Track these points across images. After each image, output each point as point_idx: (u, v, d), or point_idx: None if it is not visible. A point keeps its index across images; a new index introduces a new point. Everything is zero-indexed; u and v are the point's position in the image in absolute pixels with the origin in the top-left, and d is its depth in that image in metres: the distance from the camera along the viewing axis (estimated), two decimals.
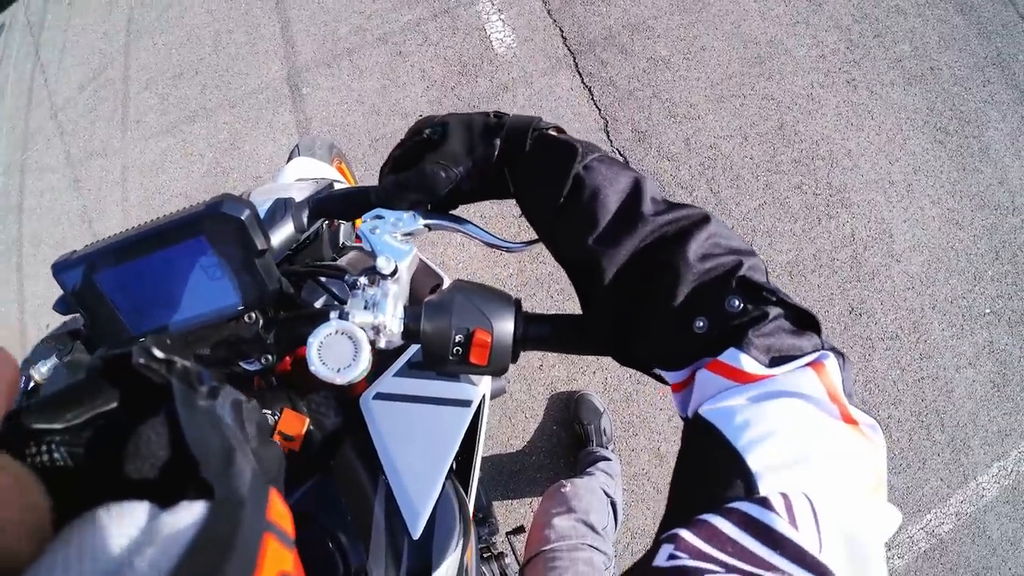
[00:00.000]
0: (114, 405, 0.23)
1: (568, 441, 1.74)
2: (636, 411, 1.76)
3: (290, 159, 1.28)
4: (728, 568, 0.28)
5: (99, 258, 0.47)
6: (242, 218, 0.45)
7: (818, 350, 0.37)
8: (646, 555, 0.31)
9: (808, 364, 0.36)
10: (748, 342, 0.37)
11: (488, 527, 1.21)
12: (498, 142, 0.51)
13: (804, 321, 0.38)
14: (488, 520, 1.22)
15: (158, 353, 0.23)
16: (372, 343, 0.49)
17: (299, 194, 0.65)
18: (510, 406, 1.80)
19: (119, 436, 0.23)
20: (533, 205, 0.51)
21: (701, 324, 0.39)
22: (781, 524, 0.29)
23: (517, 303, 0.52)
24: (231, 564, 0.19)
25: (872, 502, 0.33)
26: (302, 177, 1.05)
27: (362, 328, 0.47)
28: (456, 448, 0.60)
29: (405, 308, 0.51)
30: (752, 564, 0.28)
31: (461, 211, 0.58)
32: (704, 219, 0.43)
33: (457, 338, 0.49)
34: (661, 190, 0.47)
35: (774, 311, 0.38)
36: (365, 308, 0.48)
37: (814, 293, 1.83)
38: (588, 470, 1.48)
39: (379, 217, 0.54)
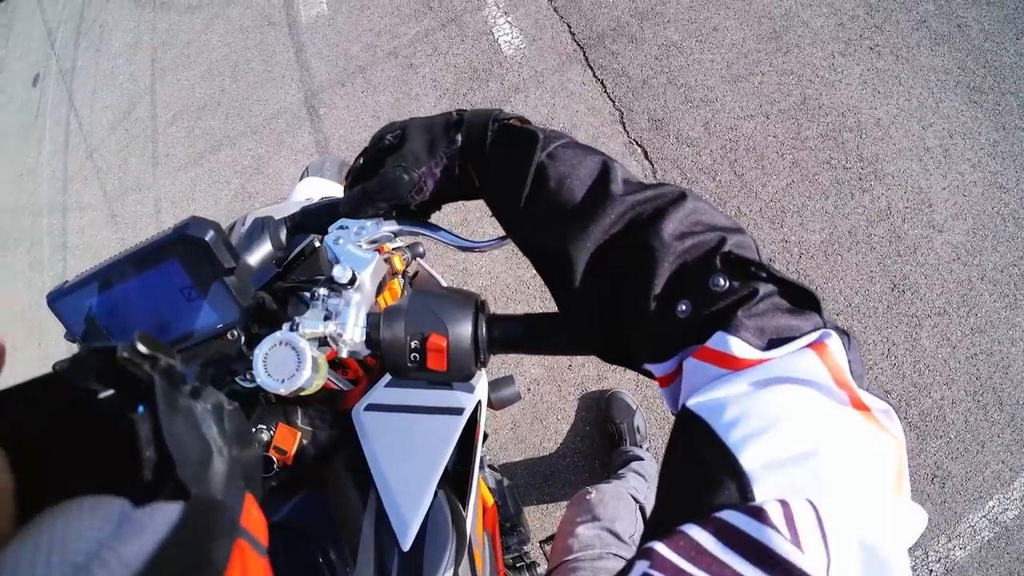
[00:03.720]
0: (96, 397, 0.23)
1: (601, 441, 1.70)
2: None
3: (302, 181, 1.30)
4: None
5: (87, 286, 0.49)
6: (206, 239, 0.46)
7: (819, 329, 0.33)
8: (619, 573, 0.27)
9: (808, 345, 0.32)
10: (737, 324, 0.33)
11: (518, 536, 1.16)
12: (459, 138, 0.49)
13: (802, 299, 0.35)
14: (518, 529, 1.17)
15: (143, 349, 0.22)
16: (332, 353, 0.49)
17: (290, 212, 0.66)
18: (540, 408, 1.77)
19: (99, 429, 0.22)
20: (499, 200, 0.49)
21: (684, 308, 0.36)
22: (778, 541, 0.25)
23: (480, 304, 0.51)
24: (200, 568, 0.18)
25: (891, 501, 0.29)
26: (310, 197, 1.06)
27: (313, 339, 0.47)
28: (447, 457, 0.58)
29: (368, 316, 0.50)
30: None
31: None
32: (681, 196, 0.39)
33: (412, 344, 0.48)
34: (637, 174, 0.44)
35: (765, 288, 0.34)
36: (326, 318, 0.48)
37: (852, 272, 1.74)
38: (620, 472, 1.44)
39: (343, 227, 0.53)
